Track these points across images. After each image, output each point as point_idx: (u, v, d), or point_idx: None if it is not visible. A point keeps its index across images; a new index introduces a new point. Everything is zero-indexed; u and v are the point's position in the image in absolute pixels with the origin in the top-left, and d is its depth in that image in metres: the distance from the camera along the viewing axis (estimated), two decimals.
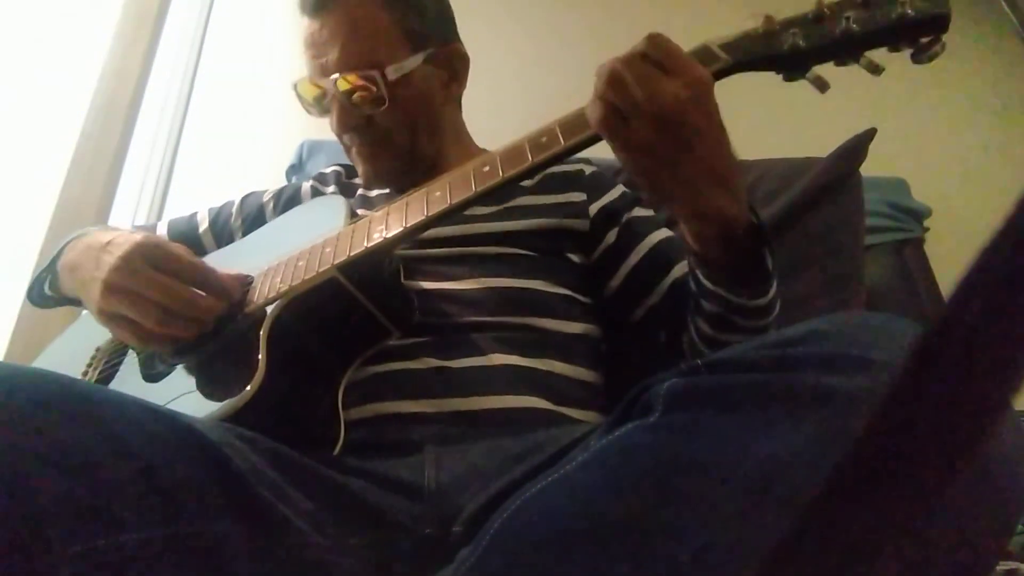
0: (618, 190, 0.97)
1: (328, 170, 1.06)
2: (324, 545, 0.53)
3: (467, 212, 0.83)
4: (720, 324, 0.75)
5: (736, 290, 0.71)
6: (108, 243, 0.73)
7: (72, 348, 0.93)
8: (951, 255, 1.60)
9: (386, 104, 0.85)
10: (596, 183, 0.96)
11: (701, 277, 0.72)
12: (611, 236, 0.92)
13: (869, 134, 1.19)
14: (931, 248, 1.62)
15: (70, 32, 1.51)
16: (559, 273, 0.87)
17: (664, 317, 0.88)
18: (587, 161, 0.99)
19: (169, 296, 0.68)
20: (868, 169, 1.25)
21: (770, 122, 1.80)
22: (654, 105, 0.59)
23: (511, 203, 0.90)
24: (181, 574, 0.42)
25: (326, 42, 0.85)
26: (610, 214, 0.93)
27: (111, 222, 1.50)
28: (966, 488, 0.36)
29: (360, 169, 0.92)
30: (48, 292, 0.94)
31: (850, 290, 1.17)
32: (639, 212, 0.95)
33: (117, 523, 0.40)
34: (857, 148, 1.21)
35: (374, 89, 0.84)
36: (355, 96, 0.85)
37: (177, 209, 1.63)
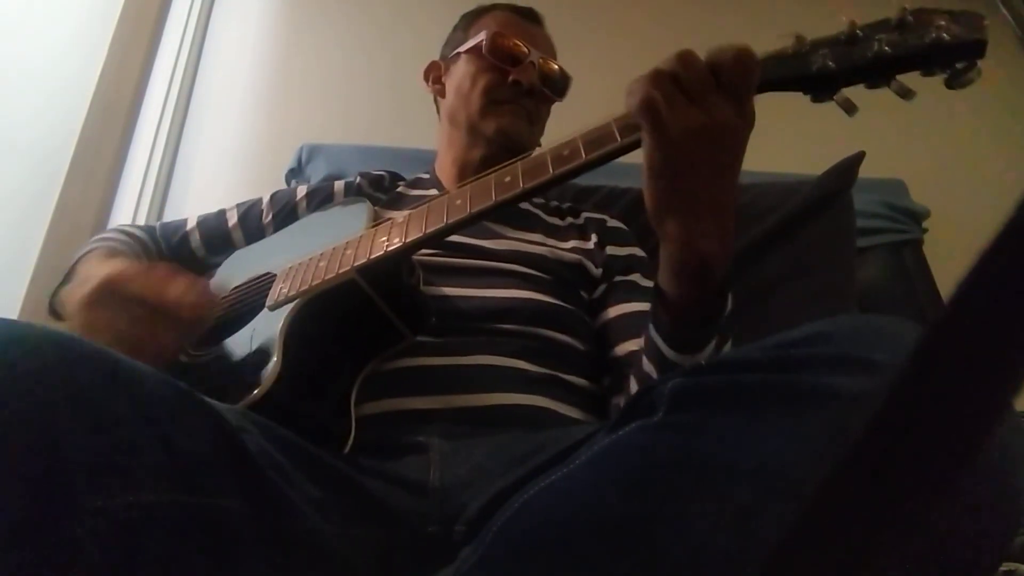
0: (627, 250, 1.00)
1: (377, 172, 1.09)
2: (329, 532, 0.54)
3: (508, 234, 0.93)
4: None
5: (681, 346, 0.69)
6: (80, 279, 0.79)
7: None
8: (949, 256, 1.60)
9: (563, 98, 1.09)
10: (614, 235, 1.02)
11: (652, 330, 0.71)
12: (600, 290, 0.96)
13: (858, 157, 1.23)
14: (929, 249, 1.62)
15: (70, 32, 1.51)
16: (573, 298, 0.91)
17: (607, 374, 0.88)
18: (611, 209, 1.15)
19: (133, 327, 0.70)
20: (866, 170, 1.26)
21: (771, 124, 1.80)
22: (690, 117, 0.58)
23: (548, 240, 0.96)
24: (188, 543, 0.42)
25: (542, 37, 1.09)
26: (608, 268, 0.97)
27: (110, 224, 1.50)
28: (967, 489, 0.36)
29: (503, 121, 1.00)
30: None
31: (842, 298, 1.19)
32: (631, 277, 0.96)
33: (135, 483, 0.41)
34: (847, 169, 1.24)
35: (564, 81, 1.08)
36: (554, 76, 1.05)
37: (176, 214, 1.63)
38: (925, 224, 1.67)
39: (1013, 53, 1.83)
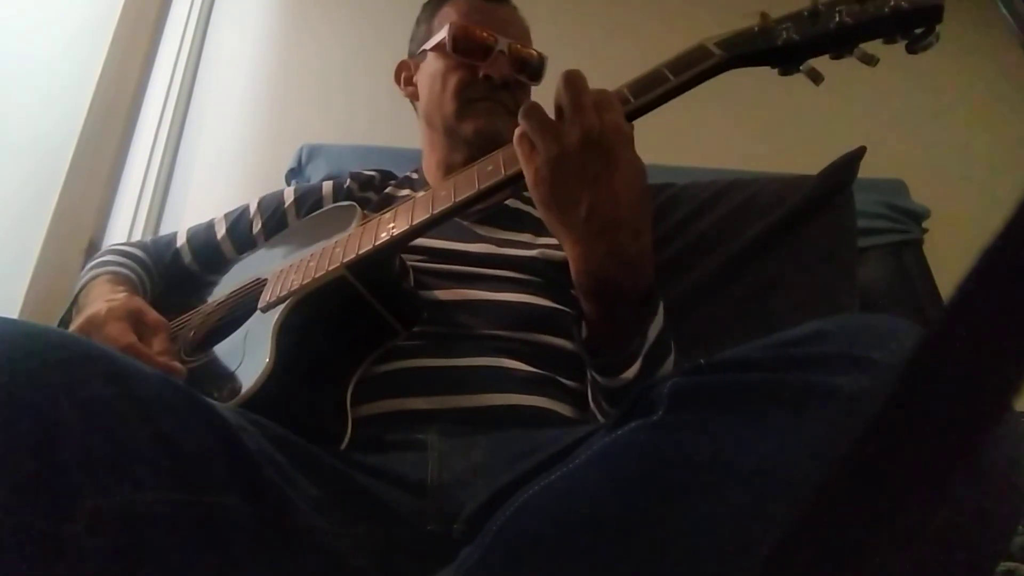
0: None
1: (368, 172, 1.07)
2: (328, 531, 0.54)
3: (498, 237, 0.92)
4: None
5: (592, 361, 0.73)
6: (85, 307, 0.82)
7: None
8: (949, 256, 1.60)
9: (540, 81, 1.03)
10: None
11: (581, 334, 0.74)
12: None
13: (859, 152, 1.23)
14: (929, 249, 1.62)
15: (70, 32, 1.51)
16: (564, 298, 0.90)
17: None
18: None
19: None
20: (866, 170, 1.26)
21: (771, 125, 1.81)
22: (560, 142, 0.62)
23: (537, 240, 0.95)
24: (188, 541, 0.42)
25: (509, 20, 1.03)
26: None
27: (110, 226, 1.50)
28: (966, 489, 0.36)
29: (479, 122, 0.97)
30: None
31: (844, 296, 1.19)
32: None
33: (134, 481, 0.41)
34: (848, 165, 1.25)
35: (539, 64, 1.02)
36: (526, 61, 1.00)
37: (176, 214, 1.63)
38: (925, 224, 1.67)
39: (1013, 53, 1.83)
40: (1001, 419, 0.31)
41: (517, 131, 0.66)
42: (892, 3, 0.63)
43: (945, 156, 1.88)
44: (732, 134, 1.80)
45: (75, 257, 1.36)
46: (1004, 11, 0.71)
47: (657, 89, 0.69)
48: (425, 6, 1.09)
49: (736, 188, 1.31)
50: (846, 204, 1.26)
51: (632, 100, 0.69)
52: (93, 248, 1.39)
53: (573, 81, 0.64)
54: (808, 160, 1.33)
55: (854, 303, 1.19)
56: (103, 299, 0.81)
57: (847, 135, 1.35)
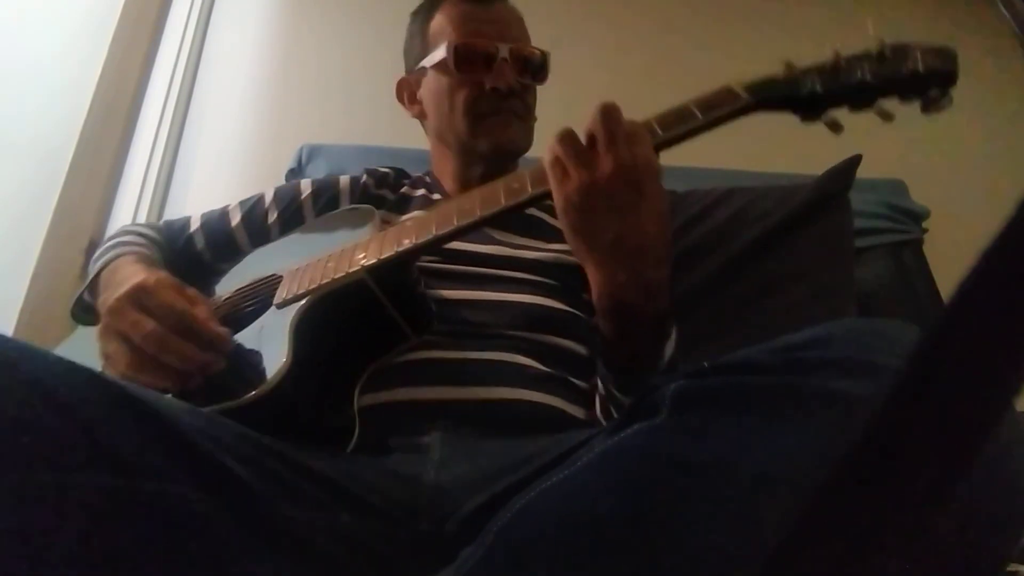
0: None
1: (383, 169, 1.07)
2: (309, 524, 0.53)
3: (514, 241, 0.93)
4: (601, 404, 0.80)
5: (612, 377, 0.74)
6: (116, 283, 0.78)
7: (87, 352, 0.93)
8: (949, 257, 1.60)
9: (546, 79, 1.02)
10: None
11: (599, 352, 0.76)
12: None
13: (855, 160, 1.26)
14: (929, 249, 1.62)
15: (70, 33, 1.51)
16: (576, 301, 0.91)
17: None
18: None
19: (146, 340, 0.67)
20: (866, 170, 1.27)
21: (772, 124, 1.80)
22: (594, 171, 0.64)
23: (550, 244, 0.95)
24: (137, 528, 0.42)
25: (503, 20, 1.01)
26: None
27: (111, 225, 1.50)
28: (967, 489, 0.36)
29: (496, 137, 0.97)
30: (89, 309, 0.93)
31: (841, 299, 1.20)
32: None
33: (55, 463, 0.41)
34: (845, 171, 1.26)
35: (542, 63, 1.01)
36: (529, 62, 0.99)
37: (177, 214, 1.63)
38: (925, 224, 1.67)
39: (1012, 54, 1.83)
40: (1002, 420, 0.31)
41: (550, 155, 0.67)
42: (910, 65, 0.67)
43: (945, 156, 1.87)
44: (732, 133, 1.79)
45: (75, 257, 1.36)
46: (1004, 11, 0.71)
47: (684, 126, 0.72)
48: (414, 16, 1.07)
49: (735, 195, 1.32)
50: (843, 209, 1.28)
51: (660, 133, 0.71)
52: (93, 248, 1.38)
53: (610, 113, 0.65)
54: (809, 159, 1.33)
55: (851, 306, 1.20)
56: (144, 272, 0.78)
57: (847, 135, 1.35)
